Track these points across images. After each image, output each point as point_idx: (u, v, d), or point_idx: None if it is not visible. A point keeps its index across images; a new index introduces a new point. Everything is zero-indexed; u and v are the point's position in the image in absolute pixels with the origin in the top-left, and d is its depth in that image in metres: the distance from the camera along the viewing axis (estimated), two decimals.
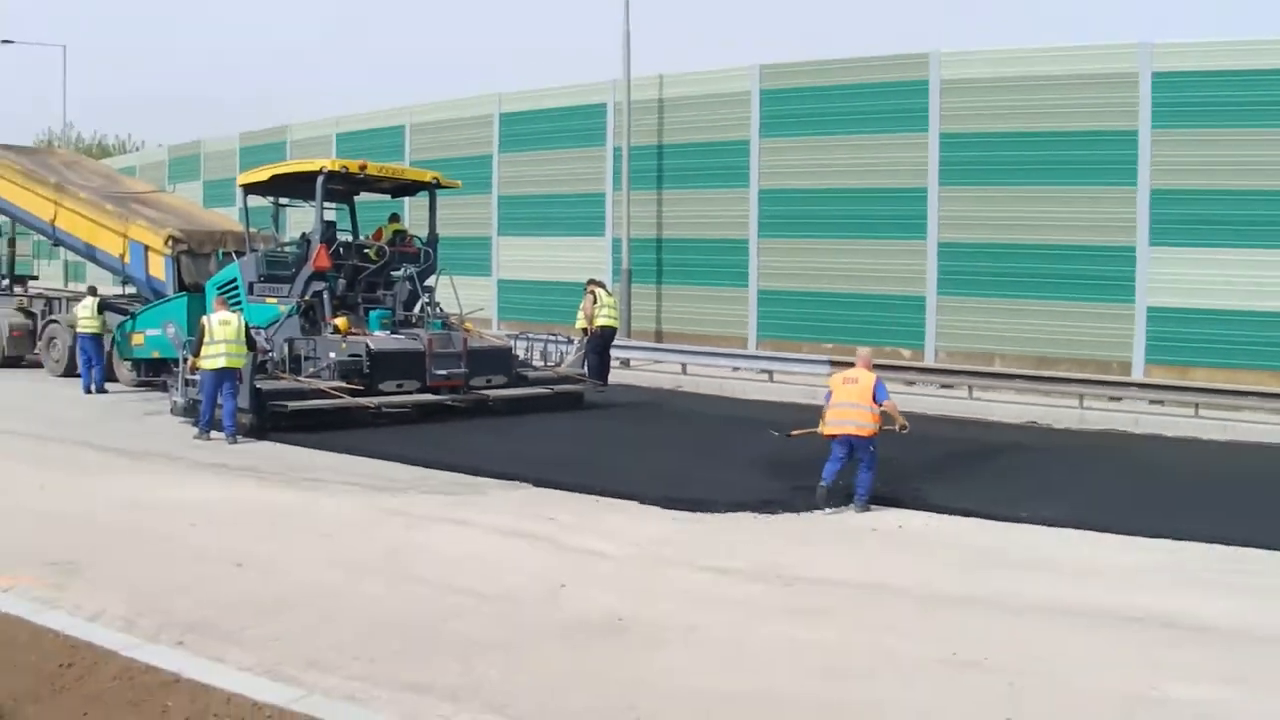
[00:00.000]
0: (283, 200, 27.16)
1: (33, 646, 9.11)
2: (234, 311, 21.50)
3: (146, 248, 28.82)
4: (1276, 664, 9.80)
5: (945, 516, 15.18)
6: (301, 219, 28.19)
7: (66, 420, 22.86)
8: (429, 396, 22.92)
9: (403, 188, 27.74)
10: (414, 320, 24.63)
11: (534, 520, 14.68)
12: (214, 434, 20.33)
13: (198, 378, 20.78)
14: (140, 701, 8.15)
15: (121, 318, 28.14)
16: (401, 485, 16.79)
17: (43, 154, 39.78)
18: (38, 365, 31.34)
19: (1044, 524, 14.74)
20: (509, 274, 39.74)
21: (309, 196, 24.70)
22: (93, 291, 28.79)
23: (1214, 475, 19.39)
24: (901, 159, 30.29)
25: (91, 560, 12.16)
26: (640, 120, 34.94)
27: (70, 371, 28.63)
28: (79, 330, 27.66)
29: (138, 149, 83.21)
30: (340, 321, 22.94)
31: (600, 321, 27.25)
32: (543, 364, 26.70)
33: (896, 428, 15.64)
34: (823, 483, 15.31)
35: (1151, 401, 25.35)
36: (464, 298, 26.07)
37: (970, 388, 26.72)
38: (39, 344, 31.48)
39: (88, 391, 26.99)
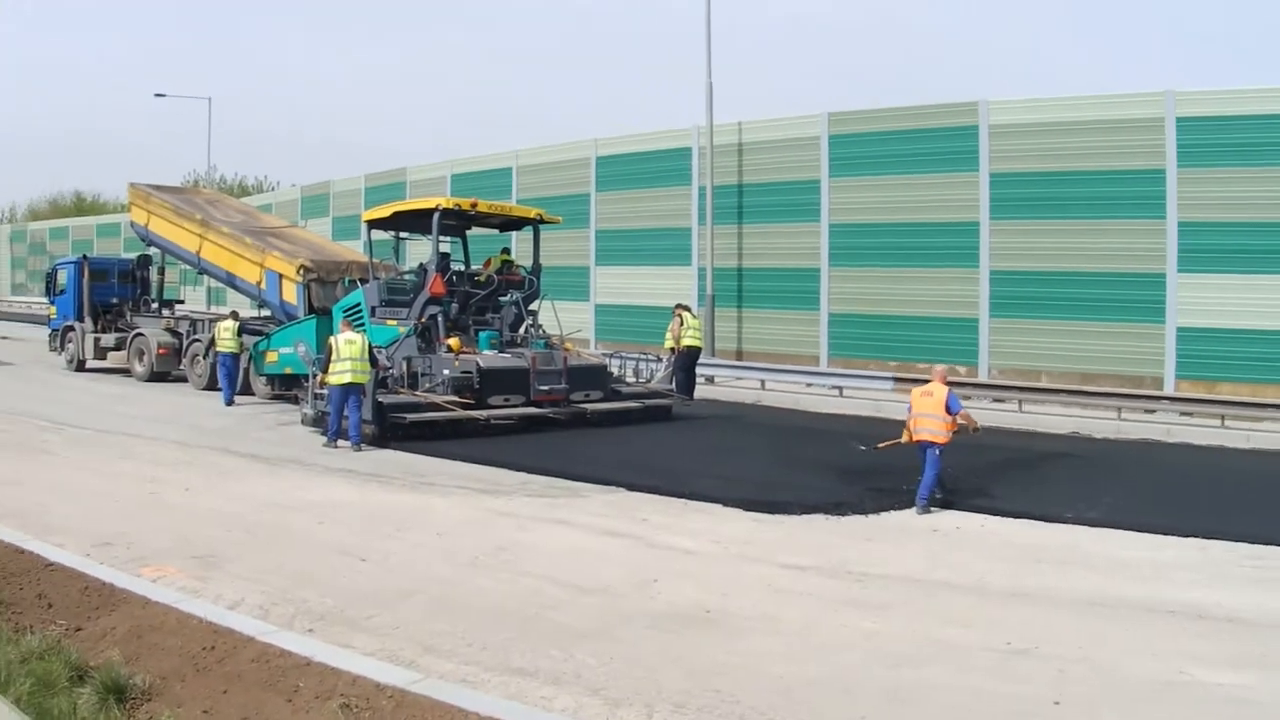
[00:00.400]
0: (403, 234, 27.40)
1: (178, 631, 9.13)
2: (358, 332, 21.66)
3: (281, 276, 29.16)
4: None
5: (998, 518, 15.07)
6: (419, 251, 28.30)
7: (208, 429, 23.06)
8: (533, 409, 22.96)
9: (510, 223, 27.86)
10: (519, 340, 24.72)
11: (627, 521, 14.68)
12: (341, 442, 20.44)
13: (326, 392, 20.89)
14: (275, 682, 8.16)
15: (256, 338, 28.44)
16: (508, 489, 16.78)
17: (189, 193, 40.40)
18: (182, 380, 31.72)
19: (1086, 524, 14.61)
20: (605, 299, 39.74)
21: (426, 231, 24.88)
22: (235, 315, 29.13)
23: (1239, 480, 19.11)
24: (956, 196, 30.18)
25: (231, 554, 12.25)
26: (721, 162, 34.88)
27: (211, 386, 28.95)
28: (219, 349, 27.99)
29: (273, 188, 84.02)
30: (453, 342, 23.01)
31: (686, 342, 27.38)
32: (635, 380, 26.73)
33: (971, 430, 16.02)
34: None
35: (1182, 414, 25.08)
36: (564, 320, 26.13)
37: (1019, 402, 26.60)
38: (184, 361, 31.85)
39: (228, 404, 27.31)
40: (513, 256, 27.68)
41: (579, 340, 30.16)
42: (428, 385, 22.23)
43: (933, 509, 15.33)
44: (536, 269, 26.19)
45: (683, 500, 15.98)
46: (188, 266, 36.35)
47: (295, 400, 25.03)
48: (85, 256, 37.37)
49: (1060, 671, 8.95)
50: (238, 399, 27.68)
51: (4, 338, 52.00)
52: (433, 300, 23.87)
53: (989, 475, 17.48)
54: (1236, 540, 13.74)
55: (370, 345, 21.27)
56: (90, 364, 35.34)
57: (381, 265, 26.68)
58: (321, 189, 57.69)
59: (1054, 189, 28.47)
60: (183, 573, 11.33)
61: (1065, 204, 28.30)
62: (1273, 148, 25.69)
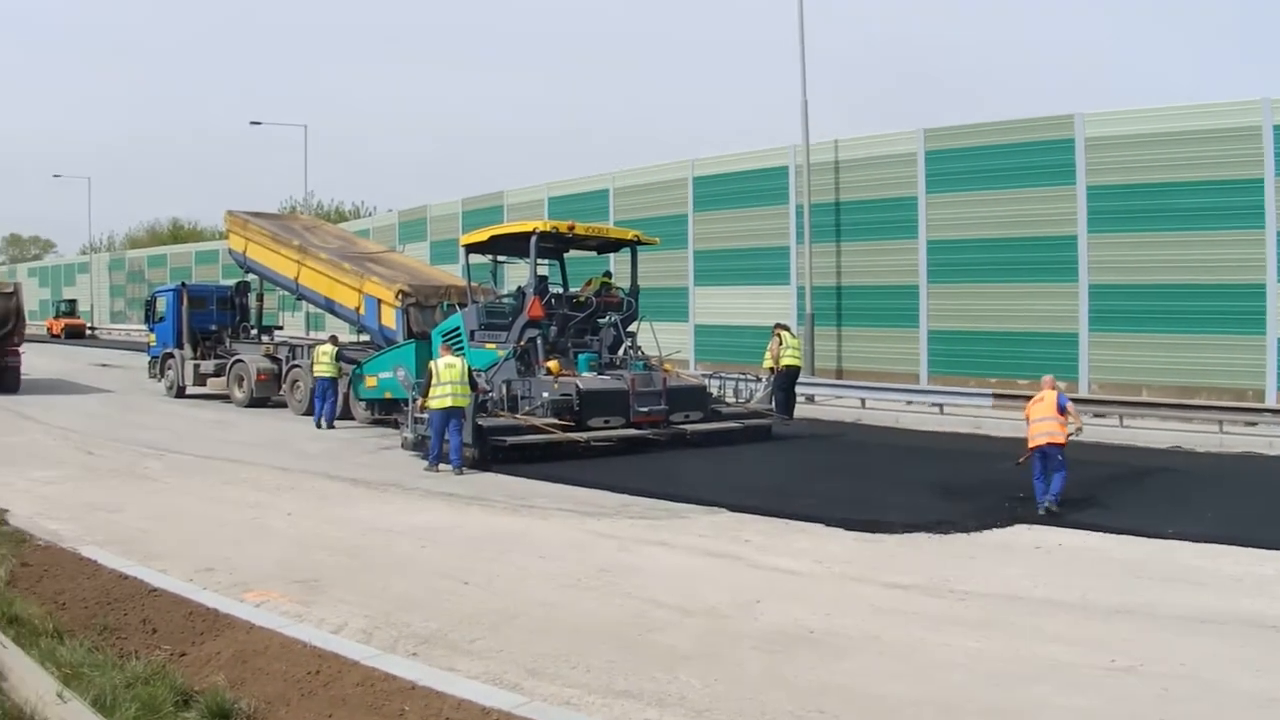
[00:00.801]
0: (500, 257, 27.50)
1: (282, 656, 9.20)
2: (458, 356, 21.77)
3: (379, 301, 29.45)
4: None
5: (1100, 534, 14.90)
6: (517, 274, 28.45)
7: (309, 454, 23.34)
8: (632, 431, 23.02)
9: (607, 245, 27.87)
10: (618, 362, 24.81)
11: (730, 542, 14.63)
12: (442, 466, 20.55)
13: (426, 416, 21.04)
14: (379, 706, 8.19)
15: (353, 363, 28.75)
16: (610, 511, 16.79)
17: (287, 219, 40.93)
18: (282, 405, 32.11)
19: (1189, 540, 14.39)
20: (704, 319, 39.75)
21: (524, 254, 24.98)
22: (333, 340, 29.49)
23: None
24: (1053, 210, 29.97)
25: (334, 579, 12.36)
26: (818, 180, 34.80)
27: (311, 411, 29.23)
28: (316, 373, 28.35)
29: (370, 213, 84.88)
30: (552, 364, 23.11)
31: (785, 361, 27.35)
32: (734, 400, 26.70)
33: (1075, 430, 16.40)
34: (1040, 502, 16.01)
35: None
36: (663, 342, 26.13)
37: (1120, 416, 26.29)
38: (283, 386, 32.22)
39: (318, 425, 27.80)
40: (612, 278, 27.76)
41: (678, 361, 30.15)
42: (527, 408, 22.35)
43: (1035, 526, 15.38)
44: (634, 290, 26.23)
45: (784, 520, 15.93)
46: (286, 292, 36.79)
47: (395, 425, 25.22)
48: (184, 284, 38.05)
49: (1164, 690, 8.84)
50: (338, 424, 28.03)
51: (104, 365, 52.94)
52: (531, 323, 24.00)
53: (1090, 491, 17.25)
54: None
55: (470, 369, 21.41)
56: (190, 390, 35.94)
57: (480, 289, 26.84)
58: (419, 213, 58.24)
59: (1151, 201, 28.18)
60: (286, 597, 11.46)
61: (1163, 216, 28.00)
62: None
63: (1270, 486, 19.50)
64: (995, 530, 15.29)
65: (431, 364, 21.26)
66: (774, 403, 26.78)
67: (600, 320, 25.67)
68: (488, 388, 22.51)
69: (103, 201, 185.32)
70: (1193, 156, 27.57)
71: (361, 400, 28.50)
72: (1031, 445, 16.16)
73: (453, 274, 33.57)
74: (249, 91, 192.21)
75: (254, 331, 36.90)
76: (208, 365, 35.33)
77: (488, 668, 9.24)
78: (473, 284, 26.57)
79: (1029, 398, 16.66)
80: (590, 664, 9.38)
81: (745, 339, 35.26)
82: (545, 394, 22.37)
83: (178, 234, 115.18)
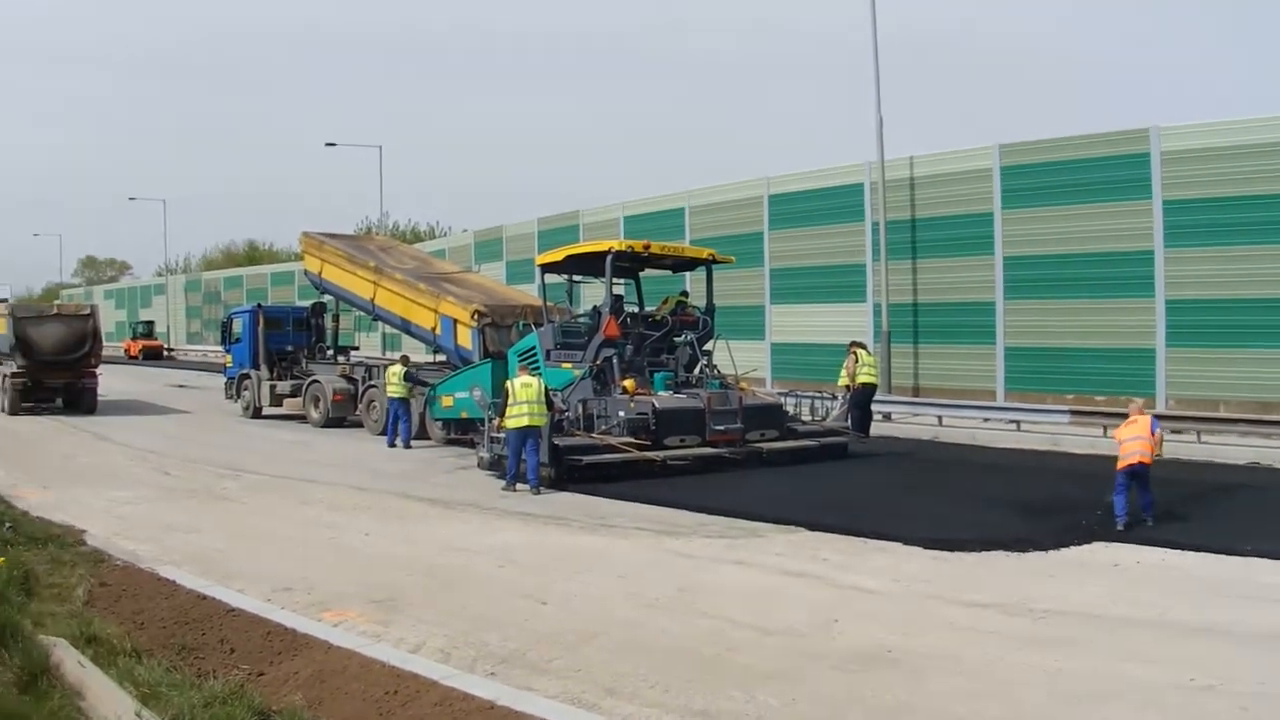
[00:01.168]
0: (576, 277, 27.67)
1: (361, 676, 9.27)
2: (535, 375, 21.84)
3: (455, 321, 29.61)
4: None
5: (1178, 552, 14.80)
6: (593, 293, 28.53)
7: (386, 474, 23.49)
8: (708, 450, 22.96)
9: (682, 264, 27.97)
10: (694, 381, 24.75)
11: (807, 560, 14.61)
12: (519, 486, 20.63)
13: (503, 435, 21.12)
14: None
15: (428, 382, 28.94)
16: (687, 530, 16.79)
17: (362, 240, 41.34)
18: (358, 425, 32.35)
19: (1268, 557, 14.22)
20: (780, 338, 39.69)
21: (599, 273, 24.98)
22: (404, 360, 29.72)
23: None
24: (1129, 225, 29.70)
25: (411, 598, 12.45)
26: (894, 197, 34.74)
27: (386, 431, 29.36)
28: (388, 394, 28.59)
29: (446, 234, 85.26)
30: (628, 383, 23.10)
31: (861, 379, 27.27)
32: (810, 418, 26.63)
33: (1156, 453, 16.52)
34: (1116, 517, 16.11)
35: None
36: (739, 360, 26.09)
37: (1198, 432, 25.87)
38: (359, 406, 32.47)
39: (390, 445, 28.03)
40: (689, 297, 27.78)
41: (754, 379, 30.12)
42: (603, 427, 22.43)
43: (1112, 544, 15.33)
44: (710, 309, 26.20)
45: (862, 539, 15.89)
46: (362, 313, 37.07)
47: (471, 444, 25.35)
48: (260, 305, 38.45)
49: (1244, 709, 8.77)
50: (415, 443, 28.20)
51: (180, 386, 53.60)
52: (607, 342, 24.03)
53: (1169, 508, 17.03)
54: None
55: (546, 388, 21.48)
56: (266, 411, 36.27)
57: (555, 308, 26.86)
58: (494, 233, 58.58)
59: (1228, 215, 27.79)
60: (364, 617, 11.55)
61: (1241, 229, 27.58)
62: None
63: None
64: (1073, 548, 15.21)
65: (508, 383, 21.36)
66: (850, 420, 26.73)
67: (676, 339, 25.67)
68: (564, 407, 22.63)
69: (178, 224, 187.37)
70: (1270, 169, 27.22)
71: (437, 420, 28.65)
72: (1122, 464, 16.20)
73: (528, 294, 33.78)
74: (325, 112, 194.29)
75: (330, 352, 37.16)
76: (284, 386, 35.69)
77: (566, 687, 9.28)
78: (548, 303, 26.62)
79: (1106, 414, 16.78)
80: (668, 683, 9.39)
81: (821, 357, 35.10)
82: (621, 413, 22.42)
83: (253, 255, 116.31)
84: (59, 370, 37.46)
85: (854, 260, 37.07)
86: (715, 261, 26.42)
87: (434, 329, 30.76)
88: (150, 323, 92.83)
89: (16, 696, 8.56)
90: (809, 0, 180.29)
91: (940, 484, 21.60)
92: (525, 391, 20.68)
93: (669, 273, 29.22)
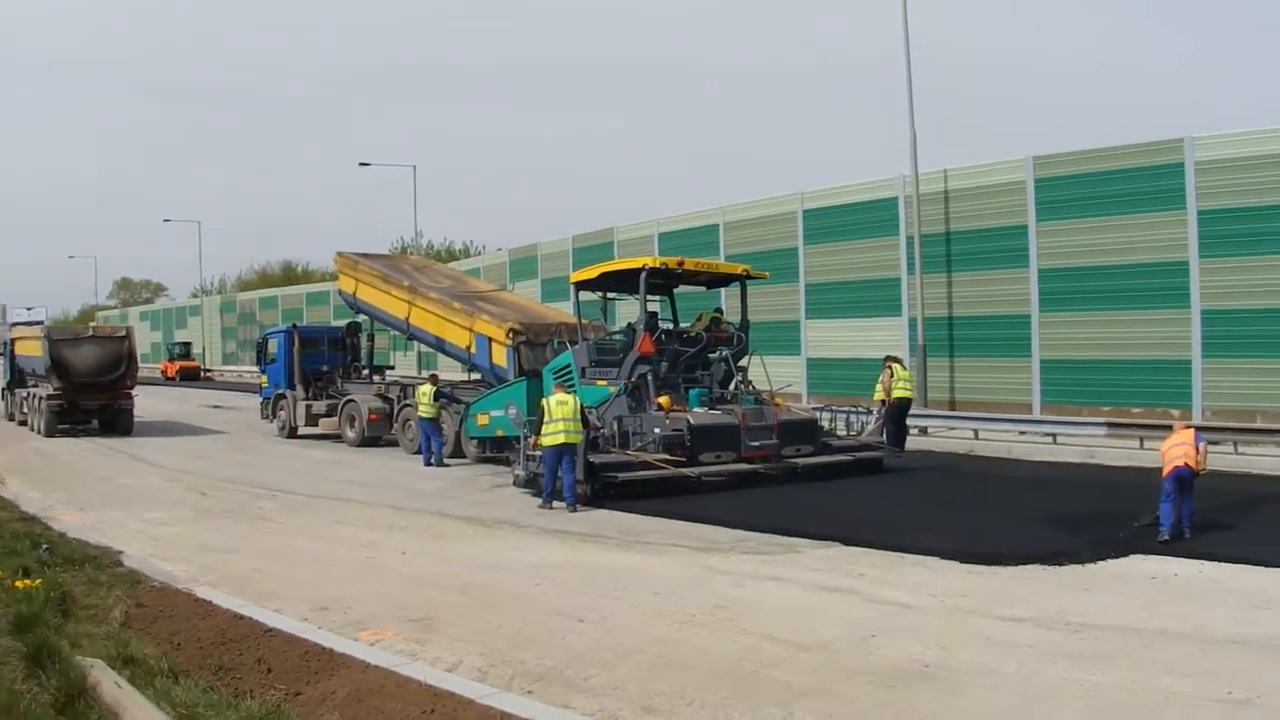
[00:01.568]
0: (610, 294, 27.70)
1: (398, 695, 9.28)
2: (570, 393, 21.86)
3: (490, 339, 29.73)
4: None
5: (1215, 564, 14.68)
6: (628, 310, 28.57)
7: (421, 492, 23.58)
8: (744, 465, 22.96)
9: (717, 280, 27.99)
10: (729, 397, 24.76)
11: (844, 576, 14.57)
12: (555, 503, 20.67)
13: (539, 453, 21.16)
14: None
15: (459, 400, 29.14)
16: (723, 546, 16.77)
17: (397, 260, 41.49)
18: (393, 444, 32.49)
19: None
20: (815, 353, 39.68)
21: (633, 290, 25.00)
22: (433, 380, 29.86)
23: None
24: (1164, 235, 29.61)
25: (448, 617, 12.47)
26: (928, 210, 34.68)
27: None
28: (418, 414, 28.71)
29: (480, 252, 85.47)
30: (663, 400, 23.12)
31: (897, 393, 27.24)
32: (846, 433, 26.62)
33: (1200, 468, 16.44)
34: (1160, 526, 16.13)
35: None
36: (774, 375, 26.10)
37: (1235, 443, 25.66)
38: (395, 426, 32.60)
39: (427, 464, 28.16)
40: (723, 313, 27.80)
41: (790, 395, 30.10)
42: (639, 444, 22.42)
43: (1149, 557, 15.23)
44: (745, 325, 26.22)
45: (898, 553, 15.84)
46: (397, 332, 37.20)
47: (506, 462, 25.42)
48: (295, 325, 38.68)
49: None
50: (450, 462, 28.29)
51: (216, 406, 53.91)
52: (642, 359, 24.06)
53: (1206, 520, 16.92)
54: None
55: (582, 406, 21.52)
56: (302, 430, 36.49)
57: (590, 326, 26.97)
58: (529, 251, 58.70)
59: (1264, 224, 27.63)
60: (401, 636, 11.57)
61: (1276, 238, 27.48)
62: None
63: None
64: (1110, 561, 15.12)
65: (544, 401, 21.39)
66: (885, 435, 26.74)
67: (711, 355, 25.67)
68: (599, 424, 22.66)
69: (213, 245, 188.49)
70: None
71: (472, 438, 28.73)
72: (1167, 469, 16.20)
73: (563, 311, 33.76)
74: (358, 132, 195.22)
75: (365, 371, 37.39)
76: (319, 405, 35.85)
77: (603, 705, 9.27)
78: (583, 321, 26.69)
79: (1143, 426, 16.78)
80: (705, 700, 9.38)
81: (858, 371, 35.12)
82: (657, 430, 22.43)
83: (289, 276, 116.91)
84: (95, 392, 37.77)
85: (889, 274, 37.05)
86: (749, 277, 26.44)
87: (469, 347, 30.87)
88: (188, 344, 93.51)
89: (54, 717, 8.61)
90: (843, 15, 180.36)
91: (976, 498, 21.57)
92: (561, 409, 20.72)
93: (703, 289, 29.24)
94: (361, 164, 68.17)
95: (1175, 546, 15.52)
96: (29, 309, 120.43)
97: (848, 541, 16.61)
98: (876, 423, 27.38)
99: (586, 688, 9.79)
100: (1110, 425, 27.79)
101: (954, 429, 32.03)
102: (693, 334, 25.68)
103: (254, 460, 30.71)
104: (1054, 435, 29.29)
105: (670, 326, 26.28)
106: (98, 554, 15.62)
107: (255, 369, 42.82)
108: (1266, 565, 14.44)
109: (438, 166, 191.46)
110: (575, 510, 20.35)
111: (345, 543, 17.71)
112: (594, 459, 21.33)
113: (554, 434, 20.58)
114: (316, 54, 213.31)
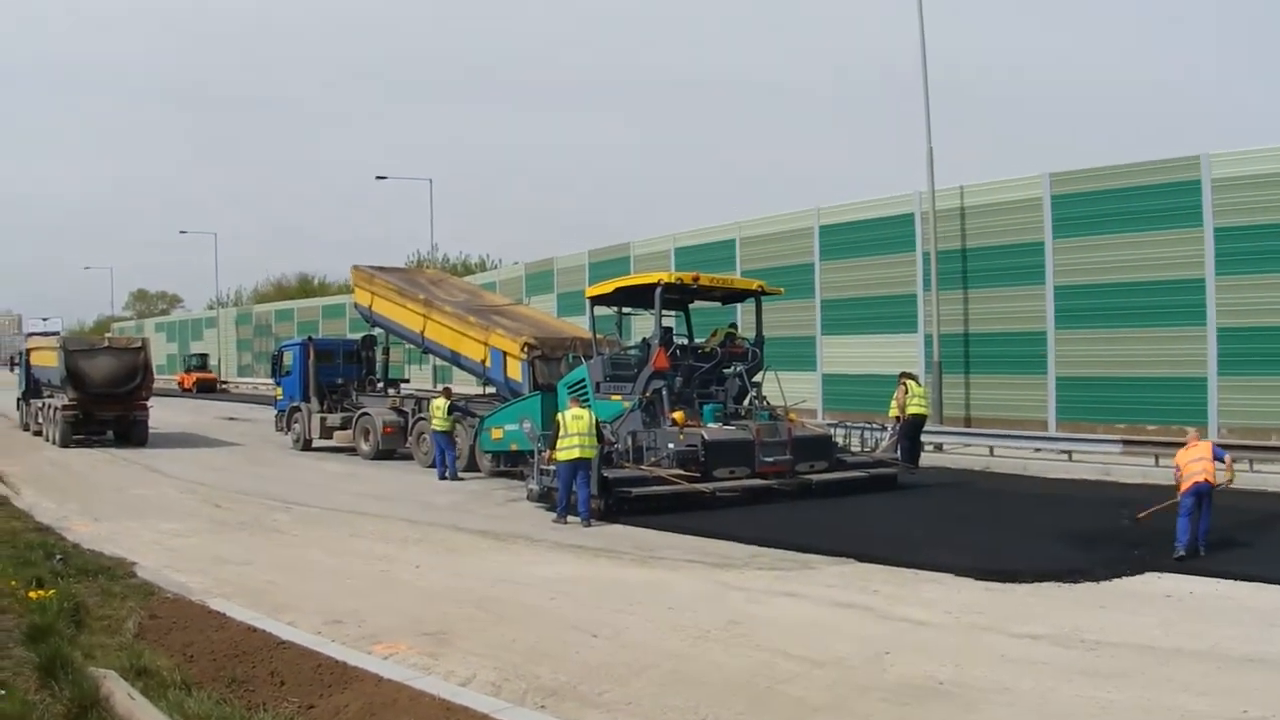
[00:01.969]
0: (625, 309, 27.76)
1: (411, 709, 9.25)
2: (585, 408, 21.85)
3: (505, 353, 29.72)
4: None
5: (1231, 582, 14.65)
6: (643, 325, 28.58)
7: (436, 506, 23.58)
8: (758, 481, 22.92)
9: (732, 295, 27.99)
10: (744, 412, 24.75)
11: (858, 592, 14.55)
12: (570, 518, 20.65)
13: (553, 468, 21.17)
14: None
15: (473, 413, 29.19)
16: (737, 562, 16.76)
17: (412, 273, 41.55)
18: (408, 458, 32.46)
19: None
20: (831, 369, 39.65)
21: (648, 305, 25.03)
22: (446, 393, 29.84)
23: None
24: (1180, 252, 29.59)
25: (462, 631, 12.46)
26: (944, 227, 34.65)
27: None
28: (432, 427, 28.75)
29: (497, 266, 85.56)
30: (678, 415, 23.10)
31: (911, 410, 27.21)
32: (860, 449, 26.63)
33: (1227, 480, 16.67)
34: (1176, 543, 15.99)
35: None
36: (789, 391, 26.13)
37: (1250, 461, 25.39)
38: (410, 439, 32.59)
39: (442, 478, 28.16)
40: (739, 328, 27.81)
41: (805, 411, 30.09)
42: (653, 459, 22.41)
43: (1164, 575, 15.19)
44: (760, 340, 26.22)
45: (913, 570, 15.82)
46: (412, 346, 37.22)
47: (520, 476, 25.43)
48: (310, 338, 38.75)
49: None
50: (464, 475, 28.31)
51: (231, 418, 53.98)
52: (657, 374, 24.04)
53: (1221, 538, 16.89)
54: None
55: (596, 420, 21.52)
56: (316, 443, 36.53)
57: (605, 340, 26.97)
58: (545, 265, 58.80)
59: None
60: (414, 649, 11.57)
61: None
62: None
63: None
64: (1126, 579, 15.10)
65: (559, 416, 21.42)
66: (899, 451, 26.72)
67: (725, 370, 25.67)
68: (613, 439, 22.66)
69: (229, 257, 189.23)
70: None
71: (487, 452, 28.72)
72: (1186, 485, 16.12)
73: (578, 326, 33.80)
74: (375, 145, 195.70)
75: (380, 384, 37.44)
76: (334, 418, 35.91)
77: None
78: (598, 335, 26.72)
79: (1158, 444, 16.68)
80: (719, 716, 9.38)
81: (874, 387, 35.03)
82: (671, 445, 22.40)
83: (305, 288, 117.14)
84: (110, 403, 37.85)
85: (905, 290, 37.03)
86: (764, 293, 26.46)
87: (484, 361, 30.87)
88: (204, 355, 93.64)
89: None
90: (860, 32, 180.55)
91: (991, 514, 21.54)
92: (576, 424, 20.74)
93: (719, 304, 29.24)
94: (378, 177, 68.45)
95: (1191, 564, 15.47)
96: (45, 319, 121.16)
97: (862, 558, 16.59)
98: (891, 439, 27.37)
99: (600, 703, 9.78)
100: (1126, 443, 27.67)
101: (969, 446, 31.93)
102: (708, 349, 25.66)
103: (269, 472, 30.75)
104: (1069, 453, 29.22)
105: (685, 342, 26.28)
106: (112, 565, 15.60)
107: (270, 381, 42.88)
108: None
109: (457, 180, 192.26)
110: (590, 525, 20.33)
111: (360, 556, 17.72)
112: (608, 474, 21.33)
113: (569, 448, 20.59)
114: (339, 62, 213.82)
